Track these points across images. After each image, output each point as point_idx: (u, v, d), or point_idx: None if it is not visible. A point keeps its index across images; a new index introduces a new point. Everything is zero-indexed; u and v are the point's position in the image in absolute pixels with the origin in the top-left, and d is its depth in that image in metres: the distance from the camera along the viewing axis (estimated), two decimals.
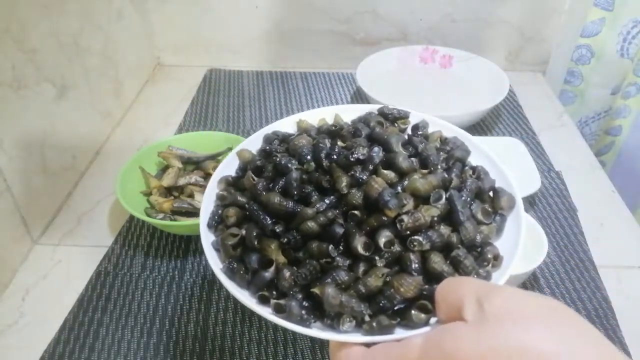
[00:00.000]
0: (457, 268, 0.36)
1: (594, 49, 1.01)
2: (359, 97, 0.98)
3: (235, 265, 0.38)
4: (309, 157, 0.41)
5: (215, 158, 0.74)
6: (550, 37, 1.04)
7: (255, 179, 0.42)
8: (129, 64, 0.96)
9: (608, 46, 0.99)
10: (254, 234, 0.39)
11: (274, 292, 0.38)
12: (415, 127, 0.48)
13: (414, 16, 1.02)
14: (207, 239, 0.42)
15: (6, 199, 0.62)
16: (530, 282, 0.61)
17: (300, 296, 0.37)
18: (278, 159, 0.42)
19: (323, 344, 0.55)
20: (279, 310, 0.36)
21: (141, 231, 0.69)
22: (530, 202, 0.72)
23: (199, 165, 0.73)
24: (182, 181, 0.68)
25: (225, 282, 0.38)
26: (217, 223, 0.43)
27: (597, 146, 1.14)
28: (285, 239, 0.38)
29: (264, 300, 0.38)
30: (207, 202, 0.44)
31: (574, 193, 0.75)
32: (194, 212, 0.65)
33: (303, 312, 0.36)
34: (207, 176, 0.70)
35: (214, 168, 0.68)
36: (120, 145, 0.87)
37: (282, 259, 0.38)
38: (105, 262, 0.64)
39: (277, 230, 0.38)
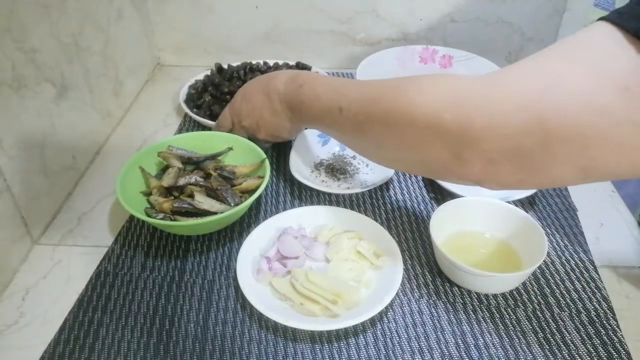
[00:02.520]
0: None
1: None
2: None
3: None
4: None
5: (215, 158, 0.74)
6: (550, 37, 1.04)
7: None
8: (129, 64, 0.96)
9: None
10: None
11: None
12: None
13: (414, 16, 1.02)
14: None
15: (6, 199, 0.62)
16: (530, 282, 0.61)
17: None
18: None
19: (323, 344, 0.55)
20: None
21: (141, 231, 0.69)
22: (530, 202, 0.72)
23: (199, 165, 0.72)
24: (182, 181, 0.68)
25: None
26: None
27: None
28: None
29: None
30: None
31: (574, 193, 0.75)
32: (194, 212, 0.65)
33: None
34: (207, 176, 0.70)
35: (214, 168, 0.69)
36: (120, 145, 0.87)
37: None
38: (105, 262, 0.64)
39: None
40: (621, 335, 0.56)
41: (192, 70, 1.02)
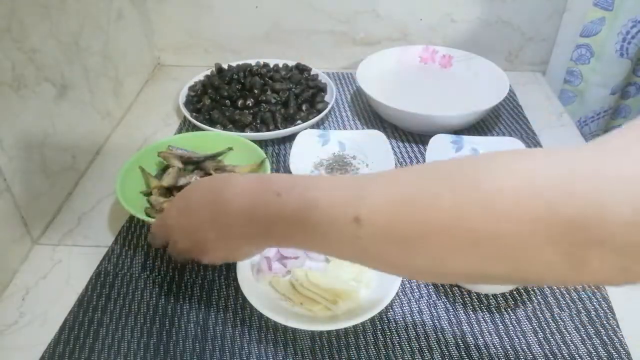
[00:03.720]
0: None
1: (593, 48, 1.01)
2: (359, 97, 0.98)
3: None
4: None
5: (216, 158, 0.74)
6: (550, 37, 1.04)
7: None
8: (129, 64, 0.96)
9: (608, 46, 0.99)
10: None
11: None
12: None
13: (414, 16, 1.02)
14: None
15: (6, 199, 0.62)
16: None
17: None
18: None
19: (323, 344, 0.55)
20: None
21: (141, 231, 0.69)
22: None
23: (199, 165, 0.73)
24: (182, 181, 0.68)
25: None
26: None
27: None
28: None
29: None
30: None
31: None
32: None
33: None
34: (206, 176, 0.70)
35: (215, 168, 0.69)
36: (120, 145, 0.87)
37: None
38: (105, 262, 0.64)
39: None
40: (621, 335, 0.56)
41: (192, 70, 1.02)
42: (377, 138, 0.81)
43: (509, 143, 0.80)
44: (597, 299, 0.60)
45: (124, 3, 0.93)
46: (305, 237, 0.41)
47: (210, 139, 0.75)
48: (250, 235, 0.45)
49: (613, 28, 0.97)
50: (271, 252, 0.62)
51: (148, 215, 0.64)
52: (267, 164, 0.69)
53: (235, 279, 0.59)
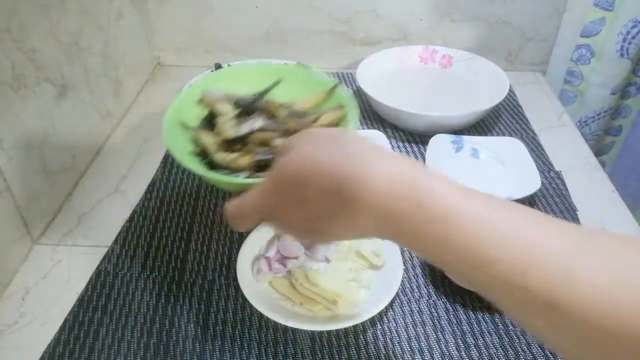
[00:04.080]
0: None
1: (594, 48, 1.01)
2: (359, 97, 0.98)
3: None
4: None
5: (266, 94, 0.60)
6: (550, 37, 1.04)
7: None
8: (129, 64, 0.96)
9: (608, 46, 0.99)
10: None
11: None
12: None
13: (414, 16, 1.02)
14: None
15: (6, 199, 0.62)
16: None
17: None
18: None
19: (323, 344, 0.55)
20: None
21: (141, 231, 0.69)
22: (530, 202, 0.72)
23: (254, 107, 0.58)
24: (245, 128, 0.53)
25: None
26: None
27: (597, 146, 1.14)
28: None
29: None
30: None
31: (574, 193, 0.75)
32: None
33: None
34: (272, 118, 0.56)
35: (278, 106, 0.56)
36: (120, 145, 0.87)
37: None
38: (105, 262, 0.64)
39: None
40: None
41: (192, 70, 1.02)
42: (377, 138, 0.81)
43: (509, 143, 0.80)
44: None
45: (124, 3, 0.93)
46: (450, 269, 0.35)
47: (247, 75, 0.62)
48: (380, 233, 0.36)
49: (613, 28, 0.97)
50: (271, 252, 0.62)
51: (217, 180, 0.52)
52: (341, 90, 0.57)
53: (235, 279, 0.59)
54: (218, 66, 0.97)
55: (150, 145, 0.86)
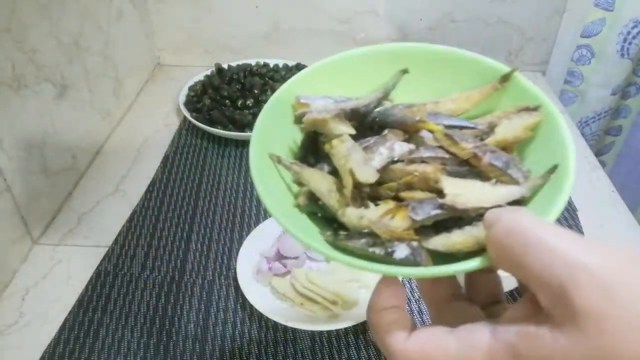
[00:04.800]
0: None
1: (594, 49, 1.01)
2: None
3: None
4: None
5: (389, 94, 0.36)
6: (550, 37, 1.04)
7: None
8: (129, 64, 0.96)
9: (608, 46, 0.99)
10: None
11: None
12: None
13: (414, 16, 1.02)
14: None
15: (6, 199, 0.62)
16: None
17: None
18: None
19: (323, 344, 0.55)
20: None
21: (141, 231, 0.69)
22: None
23: (378, 119, 0.34)
24: (378, 161, 0.31)
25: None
26: None
27: (597, 146, 1.14)
28: None
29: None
30: None
31: (574, 193, 0.74)
32: (446, 220, 0.28)
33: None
34: (410, 138, 0.33)
35: (424, 112, 0.32)
36: (120, 145, 0.87)
37: None
38: (105, 262, 0.64)
39: None
40: None
41: (192, 70, 1.02)
42: None
43: None
44: None
45: (124, 3, 0.93)
46: None
47: (349, 66, 0.39)
48: None
49: (614, 28, 0.97)
50: (271, 252, 0.62)
51: (365, 254, 0.28)
52: (521, 80, 0.34)
53: (235, 279, 0.59)
54: (218, 66, 0.97)
55: (150, 145, 0.86)
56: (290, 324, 0.54)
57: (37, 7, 0.67)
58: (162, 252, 0.66)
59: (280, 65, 0.99)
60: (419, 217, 0.28)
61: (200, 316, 0.58)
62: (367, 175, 0.29)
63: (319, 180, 0.32)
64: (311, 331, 0.55)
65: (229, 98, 0.88)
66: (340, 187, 0.31)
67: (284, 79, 0.93)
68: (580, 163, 0.82)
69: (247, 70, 0.95)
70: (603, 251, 0.21)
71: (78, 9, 0.77)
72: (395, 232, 0.28)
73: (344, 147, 0.31)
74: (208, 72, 0.98)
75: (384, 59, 0.38)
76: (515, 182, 0.29)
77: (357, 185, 0.30)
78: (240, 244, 0.63)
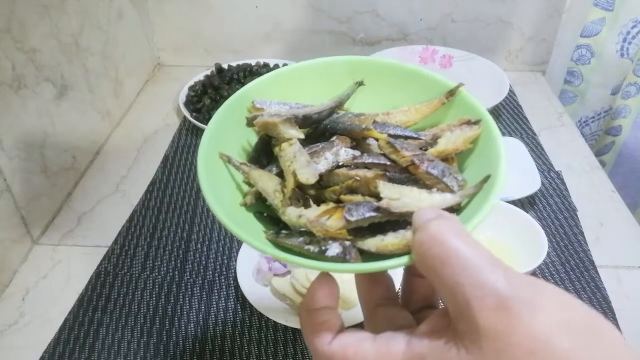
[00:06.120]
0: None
1: (594, 49, 1.01)
2: None
3: None
4: None
5: (343, 104, 0.39)
6: (550, 37, 1.04)
7: None
8: (129, 64, 0.96)
9: (608, 46, 0.99)
10: None
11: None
12: None
13: (414, 16, 1.02)
14: None
15: (6, 199, 0.62)
16: None
17: None
18: None
19: None
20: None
21: (141, 231, 0.69)
22: (530, 202, 0.72)
23: (328, 126, 0.36)
24: (323, 165, 0.33)
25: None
26: None
27: (597, 146, 1.14)
28: None
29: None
30: None
31: (574, 193, 0.75)
32: (381, 223, 0.30)
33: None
34: (362, 142, 0.36)
35: (375, 123, 0.35)
36: (120, 145, 0.87)
37: None
38: (105, 262, 0.64)
39: None
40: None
41: (192, 70, 1.02)
42: None
43: (509, 143, 0.80)
44: (597, 299, 0.59)
45: (124, 3, 0.93)
46: None
47: (309, 75, 0.40)
48: None
49: (613, 28, 0.97)
50: None
51: (300, 251, 0.30)
52: (466, 95, 0.38)
53: (235, 279, 0.59)
54: (218, 66, 0.97)
55: (150, 145, 0.86)
56: (290, 324, 0.54)
57: (37, 7, 0.67)
58: (162, 252, 0.66)
59: (280, 65, 0.99)
60: (353, 218, 0.29)
61: (200, 316, 0.58)
62: (308, 176, 0.31)
63: (266, 181, 0.34)
64: None
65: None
66: (283, 188, 0.33)
67: None
68: (580, 163, 0.82)
69: (247, 70, 0.95)
70: (512, 275, 0.22)
71: (78, 9, 0.77)
72: (329, 231, 0.30)
73: (291, 150, 0.33)
74: (208, 72, 0.98)
75: (342, 71, 0.40)
76: (450, 190, 0.31)
77: (301, 187, 0.32)
78: (240, 244, 0.63)
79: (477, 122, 0.35)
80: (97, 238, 0.69)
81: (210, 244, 0.66)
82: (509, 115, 0.92)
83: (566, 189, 0.75)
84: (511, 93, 0.97)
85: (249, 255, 0.62)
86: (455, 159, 0.35)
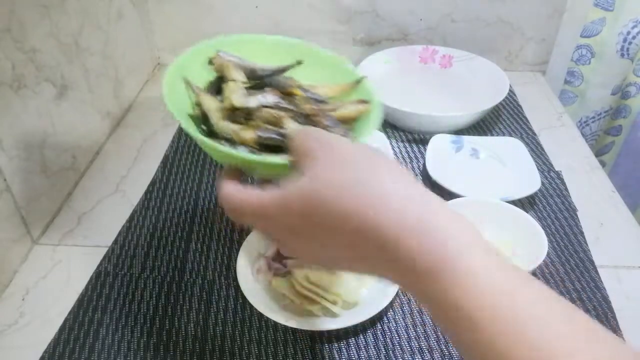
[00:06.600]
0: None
1: (594, 49, 1.01)
2: None
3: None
4: None
5: (285, 72, 0.54)
6: (550, 37, 1.04)
7: None
8: (129, 64, 0.96)
9: (608, 46, 0.99)
10: None
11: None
12: None
13: (414, 16, 1.02)
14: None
15: (6, 199, 0.62)
16: None
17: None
18: None
19: (323, 344, 0.55)
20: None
21: (141, 231, 0.69)
22: (530, 202, 0.72)
23: (268, 81, 0.52)
24: (253, 102, 0.47)
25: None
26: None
27: (597, 146, 1.14)
28: None
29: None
30: None
31: (574, 193, 0.75)
32: (280, 148, 0.43)
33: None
34: (287, 96, 0.50)
35: (292, 87, 0.50)
36: (120, 145, 0.87)
37: None
38: (105, 262, 0.64)
39: None
40: (621, 334, 0.56)
41: None
42: (377, 138, 0.81)
43: (509, 143, 0.80)
44: (597, 299, 0.59)
45: (124, 3, 0.93)
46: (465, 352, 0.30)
47: (269, 48, 0.55)
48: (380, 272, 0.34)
49: (613, 28, 0.97)
50: (271, 252, 0.62)
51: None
52: (368, 84, 0.52)
53: (235, 279, 0.59)
54: None
55: (150, 145, 0.86)
56: (290, 324, 0.54)
57: (37, 7, 0.67)
58: (162, 252, 0.66)
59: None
60: (263, 134, 0.44)
61: (200, 316, 0.58)
62: (240, 101, 0.46)
63: (210, 103, 0.48)
64: (311, 331, 0.55)
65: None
66: (221, 108, 0.47)
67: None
68: (580, 163, 0.82)
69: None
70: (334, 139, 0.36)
71: (78, 9, 0.77)
72: (243, 139, 0.44)
73: (233, 86, 0.48)
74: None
75: (288, 49, 0.56)
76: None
77: (235, 110, 0.46)
78: (240, 244, 0.63)
79: (367, 102, 0.49)
80: (97, 238, 0.69)
81: (210, 244, 0.66)
82: (509, 115, 0.92)
83: (566, 189, 0.75)
84: (511, 93, 0.97)
85: (249, 256, 0.62)
86: (351, 124, 0.49)
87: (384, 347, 0.55)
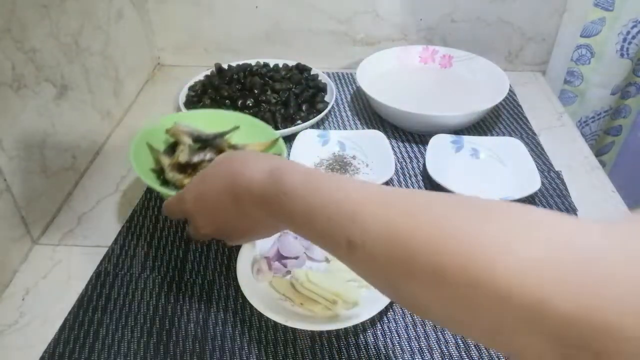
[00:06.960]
0: None
1: (594, 49, 1.01)
2: (359, 97, 0.98)
3: None
4: None
5: (224, 136, 0.72)
6: (550, 37, 1.04)
7: None
8: (129, 64, 0.96)
9: (608, 46, 0.99)
10: None
11: None
12: None
13: (414, 16, 1.02)
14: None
15: (6, 199, 0.62)
16: None
17: None
18: None
19: (323, 344, 0.55)
20: None
21: (141, 231, 0.69)
22: (530, 202, 0.72)
23: (210, 143, 0.70)
24: (196, 158, 0.67)
25: None
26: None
27: (597, 146, 1.14)
28: None
29: None
30: None
31: (574, 193, 0.75)
32: None
33: None
34: (219, 154, 0.67)
35: (228, 146, 0.71)
36: (120, 145, 0.87)
37: None
38: (105, 262, 0.64)
39: None
40: None
41: (192, 70, 1.02)
42: (377, 138, 0.81)
43: (509, 143, 0.80)
44: None
45: (124, 3, 0.93)
46: (311, 238, 0.41)
47: (215, 118, 0.74)
48: (267, 223, 0.47)
49: (613, 28, 0.97)
50: (271, 252, 0.62)
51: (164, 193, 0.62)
52: (282, 142, 0.71)
53: (235, 279, 0.59)
54: (218, 66, 0.97)
55: None
56: (290, 324, 0.54)
57: (37, 7, 0.67)
58: (162, 252, 0.66)
59: (280, 65, 0.99)
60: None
61: (200, 316, 0.58)
62: (184, 158, 0.66)
63: (165, 160, 0.68)
64: (311, 331, 0.55)
65: (229, 98, 0.88)
66: (172, 163, 0.67)
67: (283, 79, 0.93)
68: (580, 163, 0.82)
69: (247, 70, 0.95)
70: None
71: (78, 9, 0.77)
72: (183, 184, 0.64)
73: (183, 147, 0.68)
74: (208, 72, 0.98)
75: (229, 119, 0.74)
76: None
77: (179, 164, 0.66)
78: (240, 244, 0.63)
79: (279, 155, 0.67)
80: (97, 238, 0.69)
81: (210, 244, 0.66)
82: (509, 115, 0.92)
83: (566, 189, 0.75)
84: (511, 93, 0.97)
85: (249, 255, 0.62)
86: None
87: (384, 347, 0.55)
